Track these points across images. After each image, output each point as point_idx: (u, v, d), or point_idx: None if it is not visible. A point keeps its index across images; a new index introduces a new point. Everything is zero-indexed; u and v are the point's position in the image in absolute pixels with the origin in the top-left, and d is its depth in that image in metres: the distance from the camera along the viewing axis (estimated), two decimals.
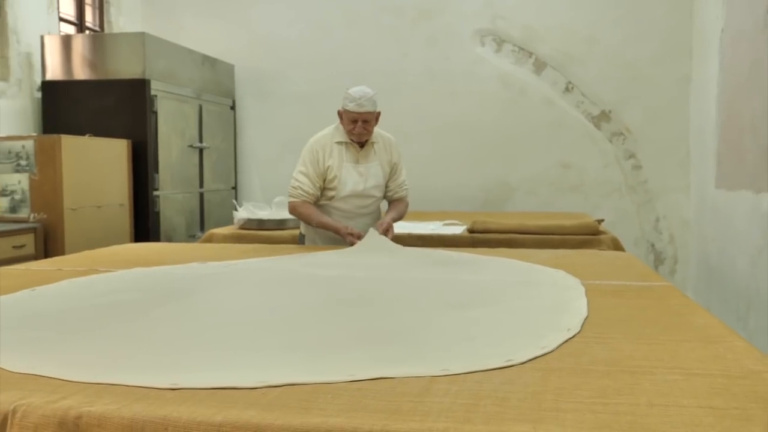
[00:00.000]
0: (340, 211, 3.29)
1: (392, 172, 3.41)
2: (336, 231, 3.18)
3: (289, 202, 3.28)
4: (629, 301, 1.93)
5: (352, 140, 3.25)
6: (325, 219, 3.23)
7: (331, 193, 3.27)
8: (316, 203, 3.29)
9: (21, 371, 1.25)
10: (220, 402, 1.10)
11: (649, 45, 5.75)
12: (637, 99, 5.80)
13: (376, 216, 3.43)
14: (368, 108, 3.14)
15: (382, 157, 3.36)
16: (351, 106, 3.14)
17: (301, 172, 3.24)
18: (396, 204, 3.46)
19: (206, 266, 2.57)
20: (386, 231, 3.17)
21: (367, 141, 3.27)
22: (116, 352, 1.40)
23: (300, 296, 1.99)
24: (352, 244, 3.08)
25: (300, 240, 3.52)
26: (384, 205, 3.54)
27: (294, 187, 3.24)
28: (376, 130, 3.32)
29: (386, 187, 3.42)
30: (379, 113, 3.24)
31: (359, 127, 3.17)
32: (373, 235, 3.07)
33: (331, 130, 3.32)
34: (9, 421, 1.08)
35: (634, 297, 1.99)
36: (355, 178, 3.27)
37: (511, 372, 1.27)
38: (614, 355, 1.37)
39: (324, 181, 3.25)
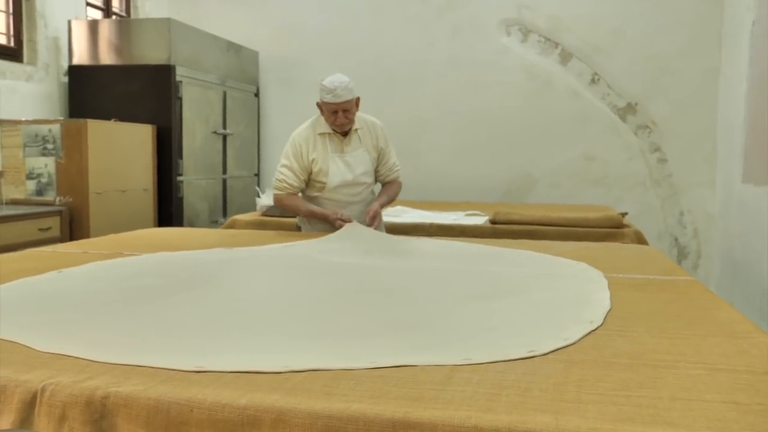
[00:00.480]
0: (333, 201, 3.28)
1: (380, 157, 3.39)
2: (324, 218, 3.19)
3: (275, 195, 3.28)
4: (653, 295, 1.92)
5: (334, 130, 3.22)
6: (312, 207, 3.24)
7: (320, 185, 3.26)
8: (308, 196, 3.31)
9: (49, 351, 1.28)
10: (244, 385, 1.12)
11: (678, 37, 5.68)
12: (664, 91, 5.73)
13: (371, 201, 3.41)
14: (346, 97, 3.10)
15: (368, 143, 3.33)
16: (329, 98, 3.10)
17: (284, 166, 3.23)
18: (387, 187, 3.46)
19: (227, 251, 2.59)
20: (374, 217, 3.17)
21: (349, 129, 3.25)
22: (142, 334, 1.42)
23: (321, 283, 2.00)
24: (340, 228, 3.08)
25: (298, 229, 3.51)
26: (378, 187, 3.53)
27: (279, 180, 3.23)
28: (359, 114, 3.29)
29: (376, 171, 3.40)
30: (358, 99, 3.19)
31: (341, 117, 3.14)
32: (355, 226, 3.06)
33: (312, 122, 3.30)
34: (38, 399, 1.10)
35: (658, 291, 1.98)
36: (342, 168, 3.25)
37: (533, 363, 1.27)
38: (637, 349, 1.37)
39: (309, 174, 3.24)
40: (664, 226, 5.84)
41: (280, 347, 1.35)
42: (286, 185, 3.22)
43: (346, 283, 2.00)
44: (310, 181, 3.28)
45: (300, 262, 2.35)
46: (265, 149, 6.53)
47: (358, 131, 3.30)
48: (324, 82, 3.13)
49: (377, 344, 1.38)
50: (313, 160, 3.21)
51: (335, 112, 3.13)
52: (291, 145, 3.25)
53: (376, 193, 3.48)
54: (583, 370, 1.23)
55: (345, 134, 3.26)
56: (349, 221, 3.10)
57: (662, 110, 5.75)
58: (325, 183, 3.23)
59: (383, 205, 3.34)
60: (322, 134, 3.24)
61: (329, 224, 3.18)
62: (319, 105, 3.20)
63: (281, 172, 3.23)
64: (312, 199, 3.30)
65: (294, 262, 2.34)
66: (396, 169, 3.47)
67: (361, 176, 3.30)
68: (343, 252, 2.57)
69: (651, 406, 1.05)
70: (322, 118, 3.23)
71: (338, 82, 3.11)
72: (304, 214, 3.28)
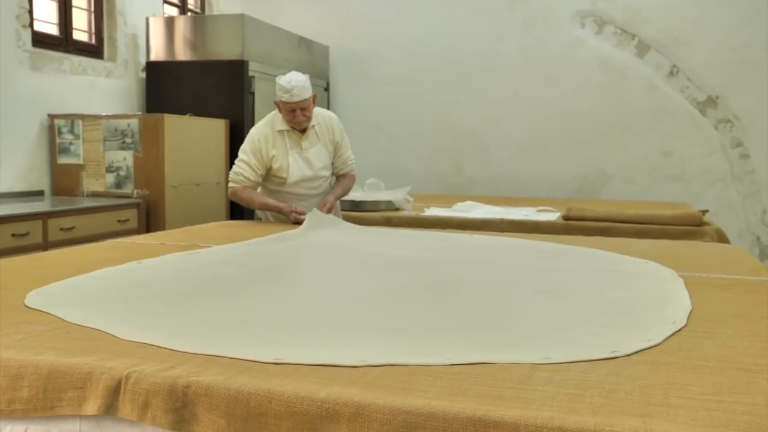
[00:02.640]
0: (293, 194, 3.33)
1: (336, 150, 3.43)
2: (279, 211, 3.27)
3: (230, 188, 3.33)
4: (739, 296, 1.83)
5: (293, 128, 3.25)
6: (266, 200, 3.31)
7: (280, 180, 3.30)
8: (269, 189, 3.36)
9: (133, 339, 1.31)
10: (322, 378, 1.11)
11: (762, 27, 5.43)
12: (747, 85, 5.50)
13: (328, 191, 3.47)
14: (303, 96, 3.13)
15: (325, 138, 3.37)
16: (285, 97, 3.12)
17: (242, 160, 3.27)
18: (341, 180, 3.51)
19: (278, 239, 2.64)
20: (330, 210, 3.24)
21: (307, 126, 3.29)
22: (220, 324, 1.45)
23: (386, 277, 1.99)
24: (296, 222, 3.13)
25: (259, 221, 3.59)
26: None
27: (236, 173, 3.27)
28: (316, 110, 3.32)
29: (332, 164, 3.45)
30: (315, 96, 3.23)
31: (299, 116, 3.17)
32: (317, 215, 3.09)
33: (270, 119, 3.32)
34: (123, 386, 1.13)
35: (744, 292, 1.89)
36: (302, 164, 3.29)
37: (616, 364, 1.22)
38: (726, 351, 1.31)
39: (268, 170, 3.28)
40: (746, 224, 5.61)
41: (355, 341, 1.34)
42: (242, 178, 3.26)
43: (410, 277, 1.99)
44: (269, 176, 3.32)
45: (358, 255, 2.35)
46: None
47: (316, 127, 3.33)
48: (280, 82, 3.15)
49: (452, 340, 1.36)
50: (273, 156, 3.25)
51: (293, 111, 3.16)
52: (250, 141, 3.28)
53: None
54: (670, 372, 1.18)
55: (303, 131, 3.29)
56: (304, 214, 3.13)
57: (745, 104, 5.51)
58: (284, 179, 3.28)
59: (337, 198, 3.43)
60: (280, 131, 3.27)
61: (284, 216, 3.26)
62: (276, 103, 3.24)
63: (238, 165, 3.27)
64: (273, 193, 3.36)
65: (353, 256, 2.34)
66: (350, 162, 3.52)
67: (320, 170, 3.36)
68: (393, 245, 2.56)
69: (746, 413, 1.00)
70: (280, 116, 3.27)
71: (295, 81, 3.13)
72: (258, 206, 3.37)
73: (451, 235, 3.00)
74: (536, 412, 0.99)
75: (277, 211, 3.30)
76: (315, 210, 3.15)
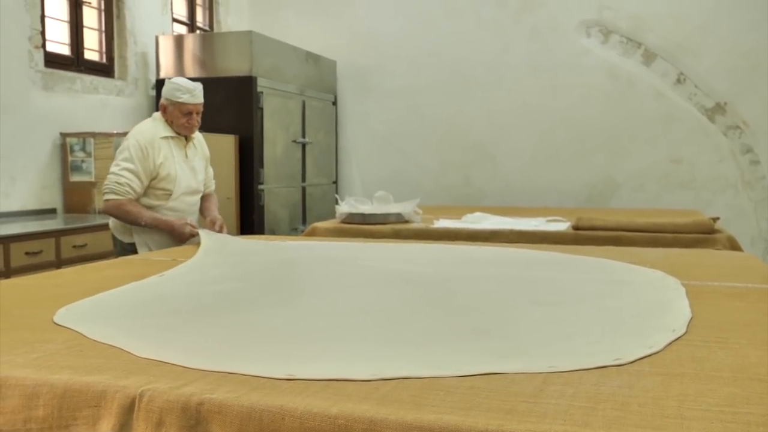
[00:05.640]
0: (174, 211, 3.11)
1: (206, 166, 3.35)
2: (170, 225, 3.01)
3: (111, 201, 2.99)
4: (753, 305, 1.82)
5: (178, 134, 3.11)
6: (156, 215, 3.04)
7: (164, 193, 3.08)
8: (147, 205, 3.09)
9: (147, 356, 1.31)
10: (334, 394, 1.12)
11: None
12: (755, 90, 5.48)
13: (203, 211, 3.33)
14: (201, 98, 3.07)
15: (200, 150, 3.29)
16: (185, 98, 3.01)
17: (127, 169, 2.97)
18: (211, 198, 3.39)
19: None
20: (221, 228, 3.11)
21: (192, 134, 3.18)
22: (231, 340, 1.45)
23: (392, 291, 2.00)
24: (192, 235, 2.96)
25: (118, 249, 3.17)
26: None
27: (120, 184, 2.96)
28: None
29: None
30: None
31: (195, 119, 3.08)
32: (210, 233, 2.94)
33: (153, 125, 3.11)
34: (137, 405, 1.13)
35: (758, 300, 1.88)
36: (188, 174, 3.15)
37: (629, 376, 1.22)
38: (740, 362, 1.30)
39: (152, 179, 3.04)
40: (758, 230, 5.58)
41: (366, 355, 1.35)
42: (128, 189, 2.98)
43: (416, 291, 1.99)
44: (149, 190, 3.06)
45: (362, 269, 2.35)
46: (343, 157, 6.60)
47: (194, 139, 3.24)
48: (178, 82, 3.05)
49: (461, 351, 1.37)
50: (160, 164, 3.03)
51: (189, 114, 3.05)
52: (135, 147, 3.00)
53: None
54: (683, 384, 1.17)
55: (186, 139, 3.17)
56: (197, 228, 2.99)
57: (754, 109, 5.50)
58: (170, 190, 3.07)
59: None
60: (165, 138, 3.08)
61: (173, 234, 3.01)
62: (164, 106, 3.07)
63: (122, 175, 2.97)
64: (150, 209, 3.07)
65: (358, 270, 2.34)
66: (213, 179, 3.44)
67: (201, 183, 3.25)
68: (395, 259, 2.57)
69: (761, 424, 0.99)
70: (163, 121, 3.10)
71: (193, 83, 3.04)
72: (147, 221, 3.01)
73: (456, 247, 3.01)
74: (549, 426, 0.98)
75: (169, 226, 3.00)
76: (205, 229, 2.98)
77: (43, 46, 4.47)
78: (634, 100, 5.76)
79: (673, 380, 1.19)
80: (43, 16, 4.46)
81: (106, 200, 3.01)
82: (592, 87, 5.85)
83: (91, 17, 4.99)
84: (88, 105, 4.81)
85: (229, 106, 5.20)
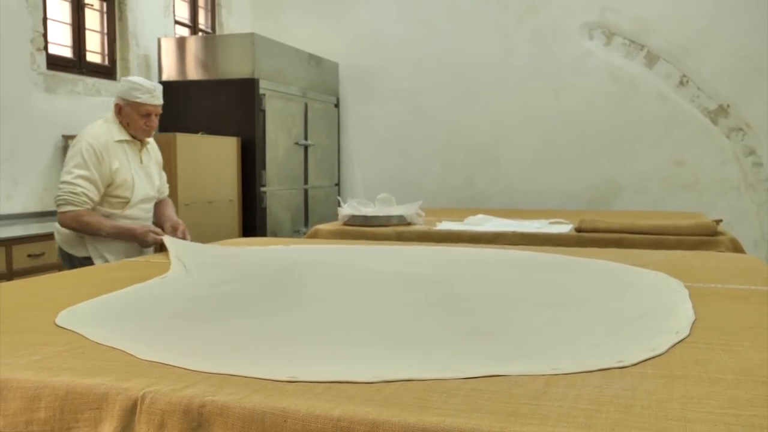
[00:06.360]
0: (131, 219, 2.92)
1: (159, 170, 3.17)
2: (132, 233, 2.83)
3: (68, 213, 2.76)
4: (756, 307, 1.82)
5: (133, 137, 2.91)
6: (117, 223, 2.84)
7: (121, 201, 2.88)
8: (104, 213, 2.89)
9: (149, 359, 1.31)
10: (336, 396, 1.11)
11: None
12: (758, 92, 5.48)
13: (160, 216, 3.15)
14: (161, 99, 2.90)
15: (154, 155, 3.11)
16: (145, 98, 2.82)
17: (81, 177, 2.75)
18: (167, 203, 3.22)
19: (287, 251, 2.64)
20: (184, 234, 2.93)
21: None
22: (233, 343, 1.45)
23: (393, 293, 2.00)
24: (154, 242, 2.81)
25: (69, 265, 2.91)
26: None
27: (75, 194, 2.74)
28: None
29: None
30: None
31: (154, 121, 2.89)
32: (174, 240, 2.78)
33: (107, 127, 2.89)
34: (138, 407, 1.13)
35: (761, 302, 1.87)
36: (145, 181, 2.95)
37: (633, 378, 1.21)
38: (744, 364, 1.29)
39: (107, 187, 2.83)
40: (761, 233, 5.57)
41: (369, 357, 1.34)
42: (85, 199, 2.76)
43: (418, 293, 1.99)
44: (104, 197, 2.86)
45: (363, 271, 2.35)
46: (345, 159, 6.60)
47: (148, 143, 3.05)
48: (137, 81, 2.86)
49: (464, 353, 1.37)
50: (116, 170, 2.82)
51: (148, 115, 2.86)
52: (89, 152, 2.78)
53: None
54: (687, 386, 1.17)
55: (141, 143, 2.98)
56: (160, 234, 2.81)
57: (757, 112, 5.49)
58: (127, 198, 2.88)
59: None
60: (120, 141, 2.88)
61: (135, 242, 2.86)
62: (119, 106, 2.87)
63: (78, 184, 2.75)
64: (107, 218, 2.88)
65: (359, 272, 2.34)
66: (167, 183, 3.27)
67: (156, 190, 3.07)
68: (396, 261, 2.57)
69: (765, 427, 0.99)
70: (118, 123, 2.90)
71: (153, 83, 2.87)
72: (108, 231, 2.81)
73: (459, 249, 3.00)
74: (552, 429, 0.98)
75: (131, 234, 2.82)
76: (168, 236, 2.81)
77: (45, 48, 4.47)
78: (637, 102, 5.75)
79: (677, 382, 1.19)
80: (45, 19, 4.47)
81: (63, 212, 2.77)
82: (595, 89, 5.84)
83: (93, 19, 5.00)
84: (90, 107, 4.81)
85: (231, 108, 5.20)
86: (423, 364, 1.27)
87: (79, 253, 2.89)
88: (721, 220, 3.77)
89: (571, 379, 1.20)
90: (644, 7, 5.71)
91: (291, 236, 5.44)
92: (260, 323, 1.63)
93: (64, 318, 1.63)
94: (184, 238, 2.89)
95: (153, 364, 1.29)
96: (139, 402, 1.14)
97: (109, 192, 2.84)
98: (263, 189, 5.23)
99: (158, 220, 3.09)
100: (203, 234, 4.56)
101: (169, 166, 4.44)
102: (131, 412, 1.14)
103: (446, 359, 1.32)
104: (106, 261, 2.82)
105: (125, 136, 2.90)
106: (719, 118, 5.60)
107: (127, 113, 2.87)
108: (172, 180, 4.43)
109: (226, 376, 1.21)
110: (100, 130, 2.87)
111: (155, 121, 2.91)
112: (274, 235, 5.32)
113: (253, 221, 5.21)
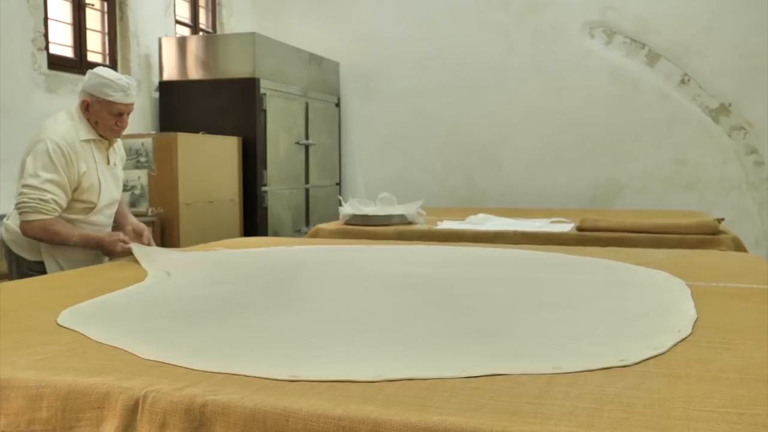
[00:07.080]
0: (94, 225, 2.70)
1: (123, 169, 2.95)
2: (100, 242, 2.59)
3: (35, 222, 2.50)
4: (758, 306, 1.81)
5: (101, 137, 2.67)
6: (84, 231, 2.61)
7: (86, 206, 2.66)
8: (68, 219, 2.64)
9: (151, 358, 1.31)
10: (338, 395, 1.11)
11: None
12: (760, 91, 5.47)
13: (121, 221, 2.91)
14: (134, 97, 2.66)
15: (120, 154, 2.87)
16: (117, 96, 2.56)
17: (50, 181, 2.49)
18: (122, 204, 2.93)
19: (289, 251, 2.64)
20: (149, 241, 2.74)
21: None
22: (235, 342, 1.45)
23: (394, 292, 2.00)
24: (122, 251, 2.58)
25: (17, 268, 2.69)
26: None
27: (45, 201, 2.48)
28: None
29: None
30: None
31: (124, 122, 2.65)
32: (142, 247, 2.62)
33: (72, 125, 2.62)
34: (140, 406, 1.13)
35: (763, 301, 1.87)
36: (111, 184, 2.73)
37: (634, 377, 1.21)
38: (746, 363, 1.29)
39: (74, 191, 2.59)
40: (762, 231, 5.56)
41: (370, 356, 1.34)
42: (54, 207, 2.51)
43: (418, 292, 1.99)
44: (69, 202, 2.61)
45: (363, 271, 2.35)
46: (346, 158, 6.60)
47: (115, 141, 2.80)
48: (109, 76, 2.58)
49: (465, 352, 1.37)
50: (84, 173, 2.59)
51: (120, 115, 2.62)
52: (56, 153, 2.51)
53: None
54: (689, 385, 1.17)
55: (109, 142, 2.74)
56: (128, 243, 2.59)
57: (758, 110, 5.49)
58: (93, 203, 2.65)
59: None
60: (86, 141, 2.63)
61: (102, 251, 2.64)
62: (87, 102, 2.61)
63: (47, 189, 2.49)
64: (70, 224, 2.63)
65: (359, 272, 2.34)
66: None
67: (120, 193, 2.84)
68: (397, 261, 2.57)
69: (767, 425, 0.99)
70: (84, 121, 2.64)
71: (126, 79, 2.61)
72: (77, 242, 2.57)
73: (460, 248, 3.00)
74: (554, 428, 0.98)
75: (98, 242, 2.59)
76: (135, 244, 2.61)
77: (46, 48, 4.47)
78: (639, 101, 5.75)
79: (679, 381, 1.19)
80: (46, 19, 4.47)
81: (29, 221, 2.50)
82: (596, 88, 5.84)
83: (94, 19, 5.00)
84: None
85: (232, 107, 5.20)
86: (425, 363, 1.27)
87: (31, 257, 2.66)
88: (722, 219, 3.77)
89: (573, 378, 1.20)
90: (645, 6, 5.70)
91: (292, 236, 5.43)
92: (262, 322, 1.63)
93: (65, 317, 1.63)
94: (149, 243, 2.71)
95: (155, 363, 1.29)
96: (140, 401, 1.14)
97: (74, 197, 2.60)
98: (264, 188, 5.23)
99: (118, 224, 2.86)
100: (204, 233, 4.57)
101: (170, 166, 4.46)
102: (133, 411, 1.14)
103: (448, 358, 1.32)
104: (61, 268, 2.61)
105: (92, 135, 2.65)
106: (721, 117, 5.60)
107: (96, 111, 2.61)
108: (173, 180, 4.44)
109: (228, 376, 1.21)
110: (65, 127, 2.59)
111: (127, 121, 2.68)
112: (275, 234, 5.32)
113: (254, 221, 5.21)
